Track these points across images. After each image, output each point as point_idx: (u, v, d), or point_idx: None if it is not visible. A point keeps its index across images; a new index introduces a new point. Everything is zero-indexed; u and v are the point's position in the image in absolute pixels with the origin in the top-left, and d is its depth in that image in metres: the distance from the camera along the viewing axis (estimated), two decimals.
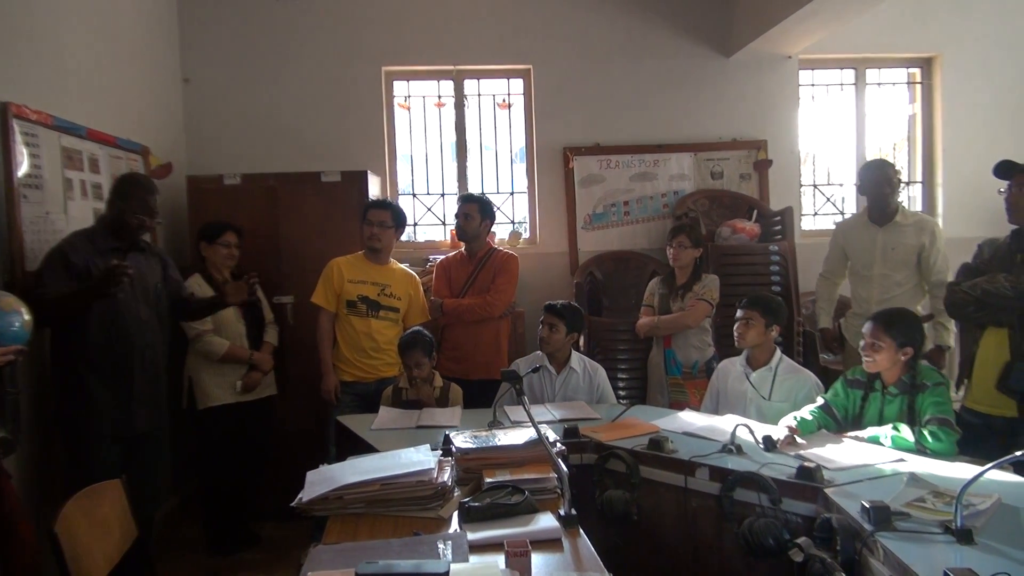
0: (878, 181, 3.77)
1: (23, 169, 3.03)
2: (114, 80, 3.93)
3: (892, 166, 3.89)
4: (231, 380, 3.76)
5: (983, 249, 3.08)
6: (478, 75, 5.23)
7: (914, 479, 2.21)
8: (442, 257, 4.34)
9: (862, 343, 2.81)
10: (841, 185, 5.50)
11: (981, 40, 5.25)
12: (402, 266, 3.98)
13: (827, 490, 2.20)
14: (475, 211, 3.98)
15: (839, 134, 5.49)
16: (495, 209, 4.16)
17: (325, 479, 2.23)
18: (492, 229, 4.19)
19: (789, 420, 2.80)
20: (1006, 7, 5.24)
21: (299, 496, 2.17)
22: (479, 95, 5.27)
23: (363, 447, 2.84)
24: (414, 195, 5.28)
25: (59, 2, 3.41)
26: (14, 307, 2.20)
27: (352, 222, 4.06)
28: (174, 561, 3.73)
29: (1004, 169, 2.97)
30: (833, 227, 5.40)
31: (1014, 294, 2.76)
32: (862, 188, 3.89)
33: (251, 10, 4.91)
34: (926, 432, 2.55)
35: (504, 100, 5.28)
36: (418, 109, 5.25)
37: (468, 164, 5.28)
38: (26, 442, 2.96)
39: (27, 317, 2.22)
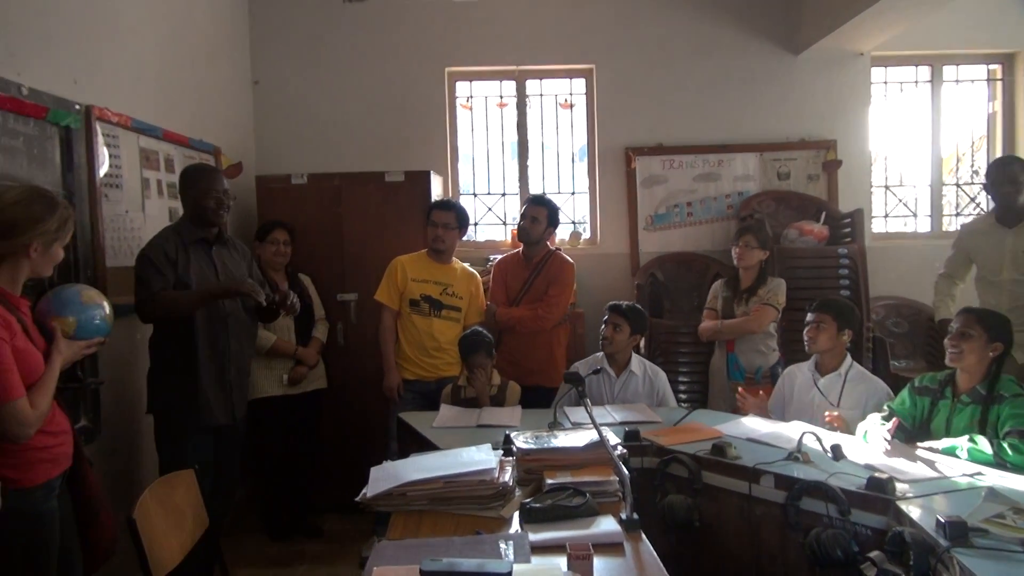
0: (999, 179, 3.56)
1: (104, 169, 3.17)
2: (188, 83, 4.06)
3: (1019, 162, 3.62)
4: (278, 373, 3.89)
5: None
6: (540, 75, 5.23)
7: (993, 494, 2.12)
8: (500, 257, 4.34)
9: (948, 336, 2.70)
10: (914, 186, 5.32)
11: None
12: (464, 265, 4.01)
13: (899, 503, 2.13)
14: (543, 215, 3.95)
15: (913, 133, 5.30)
16: (559, 215, 4.13)
17: (389, 475, 2.26)
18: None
19: (870, 425, 2.73)
20: None
21: (363, 491, 2.21)
22: (541, 95, 5.27)
23: (424, 444, 2.88)
24: (475, 195, 5.32)
25: (137, 8, 3.55)
26: (96, 300, 2.29)
27: (415, 221, 4.12)
28: (239, 549, 3.85)
29: None
30: (904, 229, 5.30)
31: None
32: (987, 187, 3.70)
33: (318, 13, 5.01)
34: (1006, 444, 2.44)
35: (566, 100, 5.27)
36: (480, 109, 5.28)
37: (529, 164, 5.29)
38: (107, 431, 3.10)
39: (108, 310, 2.31)
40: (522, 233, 4.01)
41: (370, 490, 2.20)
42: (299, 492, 4.11)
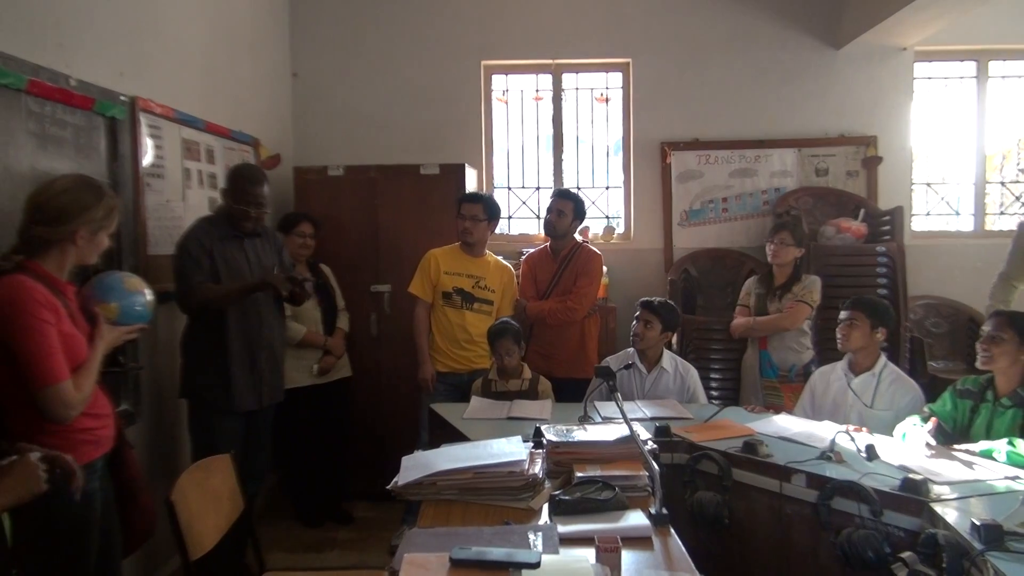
0: None
1: (147, 159, 3.24)
2: (229, 75, 4.14)
3: None
4: (308, 364, 3.95)
5: None
6: (576, 69, 5.22)
7: None
8: (528, 252, 4.35)
9: (980, 339, 2.67)
10: (957, 184, 5.21)
11: None
12: (497, 258, 4.03)
13: (933, 504, 2.11)
14: (569, 209, 3.95)
15: (957, 130, 5.18)
16: (587, 208, 4.13)
17: (420, 464, 2.29)
18: (585, 224, 4.16)
19: (909, 427, 2.71)
20: None
21: (395, 480, 2.24)
22: (577, 89, 5.26)
23: (454, 435, 2.90)
24: (509, 188, 5.33)
25: (182, 2, 3.62)
26: (138, 287, 2.35)
27: (449, 214, 4.14)
28: (273, 534, 3.92)
29: None
30: (945, 227, 5.19)
31: None
32: None
33: (357, 5, 5.06)
34: None
35: (602, 94, 5.25)
36: (516, 103, 5.29)
37: (564, 158, 5.28)
38: (146, 415, 3.19)
39: (150, 298, 2.37)
40: (548, 227, 4.01)
41: (401, 479, 2.23)
42: (330, 479, 4.18)
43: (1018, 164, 5.21)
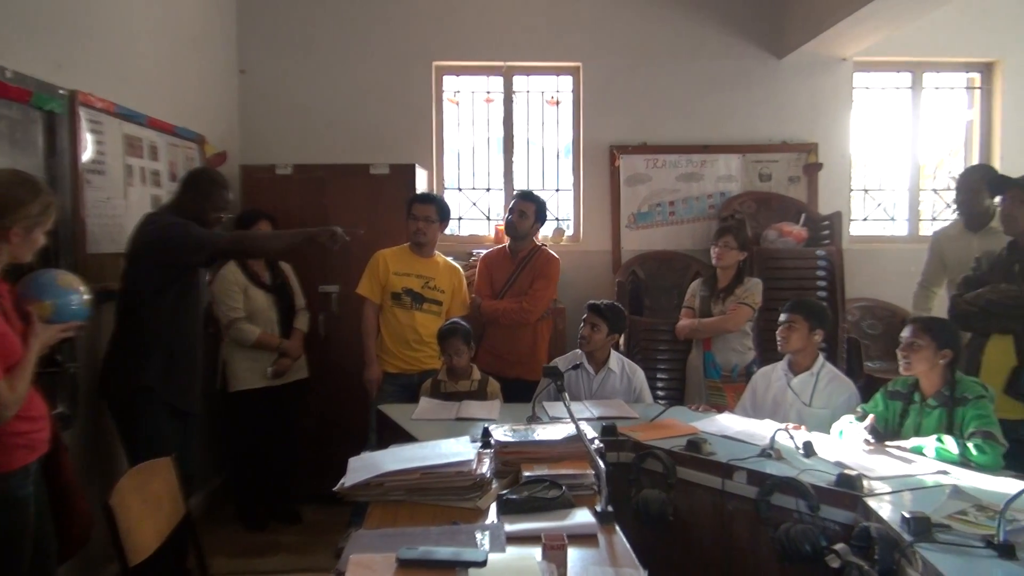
0: (964, 186, 3.71)
1: (87, 155, 3.15)
2: (174, 70, 4.05)
3: (983, 170, 3.75)
4: (262, 366, 3.89)
5: (981, 262, 3.19)
6: (528, 72, 5.25)
7: (957, 491, 2.18)
8: (486, 251, 4.37)
9: (899, 347, 2.79)
10: (893, 191, 5.40)
11: None
12: (447, 259, 4.03)
13: (867, 499, 2.19)
14: (531, 211, 3.99)
15: (892, 138, 5.37)
16: (547, 211, 4.16)
17: (367, 465, 2.28)
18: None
19: (845, 424, 2.81)
20: None
21: (341, 481, 2.23)
22: (528, 91, 5.29)
23: (403, 436, 2.90)
24: (460, 189, 5.33)
25: None
26: (73, 285, 2.29)
27: (399, 214, 4.12)
28: (215, 538, 3.84)
29: (998, 184, 3.12)
30: (881, 232, 5.38)
31: (1016, 302, 2.87)
32: (956, 195, 3.82)
33: (307, 3, 5.00)
34: (971, 445, 2.51)
35: (553, 97, 5.29)
36: (467, 104, 5.30)
37: (514, 160, 5.31)
38: (83, 417, 3.10)
39: (86, 296, 2.31)
40: (509, 228, 4.04)
41: (348, 480, 2.22)
42: (278, 481, 4.12)
43: (950, 173, 5.42)
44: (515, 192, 4.20)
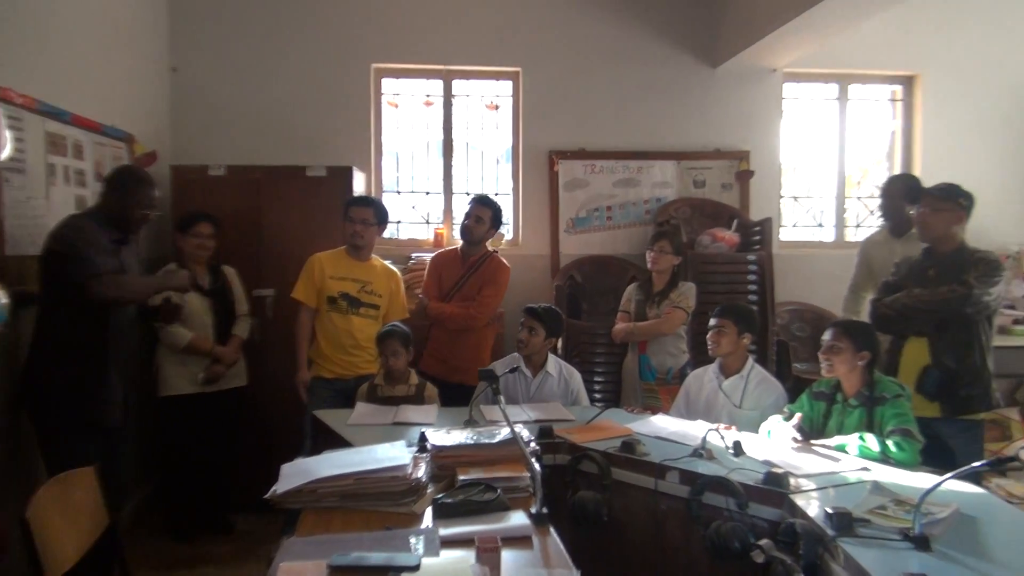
0: (888, 194, 3.87)
1: (6, 152, 3.02)
2: (101, 66, 3.92)
3: (906, 179, 3.92)
4: (193, 371, 3.79)
5: (900, 267, 3.33)
6: (467, 76, 5.26)
7: (877, 487, 2.27)
8: (434, 253, 4.36)
9: (821, 350, 2.89)
10: (820, 198, 5.58)
11: (960, 62, 5.35)
12: (384, 263, 4.00)
13: (793, 496, 2.25)
14: (488, 217, 4.01)
15: (820, 148, 5.56)
16: (503, 217, 4.19)
17: (300, 472, 2.25)
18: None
19: (773, 424, 2.89)
20: (983, 31, 5.34)
21: (273, 488, 2.19)
22: (468, 95, 5.30)
23: (339, 442, 2.86)
24: (399, 192, 5.30)
25: None
26: None
27: (336, 217, 4.07)
28: (142, 551, 3.72)
29: (914, 192, 3.26)
30: (809, 238, 5.56)
31: (930, 306, 3.01)
32: (881, 202, 3.97)
33: (241, 1, 4.90)
34: (890, 442, 2.61)
35: (492, 101, 5.31)
36: (406, 107, 5.27)
37: (454, 163, 5.30)
38: (1, 427, 2.96)
39: (4, 300, 2.22)
40: (464, 232, 4.05)
41: (280, 487, 2.18)
42: (210, 490, 4.01)
43: (875, 182, 5.64)
44: (472, 196, 4.19)
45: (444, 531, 1.96)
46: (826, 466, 2.54)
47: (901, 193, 3.78)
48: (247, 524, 4.08)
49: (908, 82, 5.49)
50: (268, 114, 4.92)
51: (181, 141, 4.87)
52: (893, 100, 5.56)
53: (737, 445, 2.65)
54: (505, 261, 4.12)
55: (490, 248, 4.16)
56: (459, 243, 4.16)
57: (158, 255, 4.22)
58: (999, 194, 4.97)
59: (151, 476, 4.29)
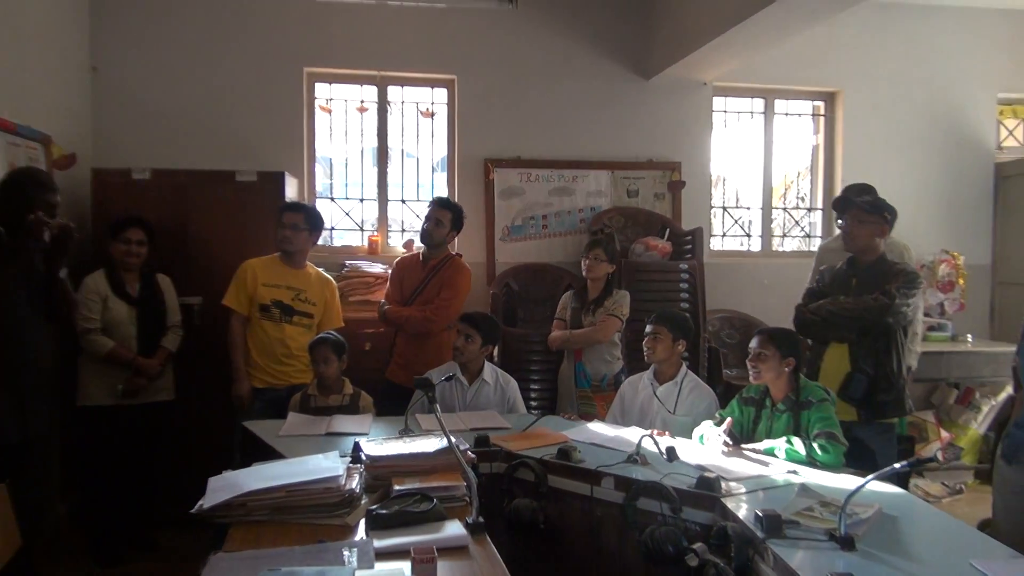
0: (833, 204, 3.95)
1: None
2: (15, 63, 3.74)
3: (860, 188, 3.96)
4: (112, 382, 3.63)
5: (824, 275, 3.43)
6: (402, 82, 5.22)
7: (804, 489, 2.33)
8: (400, 256, 4.36)
9: (748, 357, 2.97)
10: (748, 208, 5.74)
11: (878, 79, 5.59)
12: (319, 270, 3.93)
13: (725, 500, 2.30)
14: (448, 219, 3.99)
15: (748, 159, 5.73)
16: (464, 219, 4.16)
17: (228, 485, 2.18)
18: (410, 238, 4.19)
19: (705, 430, 2.95)
20: (901, 51, 5.60)
21: (200, 503, 2.12)
22: (403, 102, 5.26)
23: (270, 454, 2.78)
24: (333, 199, 5.22)
25: None
26: None
27: (268, 224, 3.98)
28: (59, 572, 3.54)
29: (841, 204, 3.35)
30: (738, 247, 5.72)
31: (852, 314, 3.10)
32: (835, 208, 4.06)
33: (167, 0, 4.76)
34: (815, 445, 2.70)
35: (428, 109, 5.29)
36: (340, 112, 5.20)
37: (389, 171, 5.26)
38: None
39: None
40: (424, 236, 4.03)
41: (207, 501, 2.11)
42: (134, 508, 3.84)
43: (798, 193, 5.84)
44: (432, 199, 4.17)
45: (379, 543, 1.92)
46: (756, 470, 2.60)
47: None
48: (172, 541, 3.92)
49: (830, 98, 5.71)
50: (195, 116, 4.78)
51: (103, 143, 4.68)
52: (815, 115, 5.77)
53: (671, 451, 2.69)
54: (466, 264, 4.10)
55: (452, 251, 4.14)
56: (420, 249, 4.16)
57: (79, 264, 4.03)
58: (914, 207, 5.20)
59: (70, 492, 4.09)
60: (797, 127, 5.78)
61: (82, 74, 4.61)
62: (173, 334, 3.85)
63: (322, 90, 5.14)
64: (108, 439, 3.64)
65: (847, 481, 2.45)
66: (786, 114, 5.74)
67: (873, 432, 3.14)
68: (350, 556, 1.82)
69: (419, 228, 4.67)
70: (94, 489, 3.74)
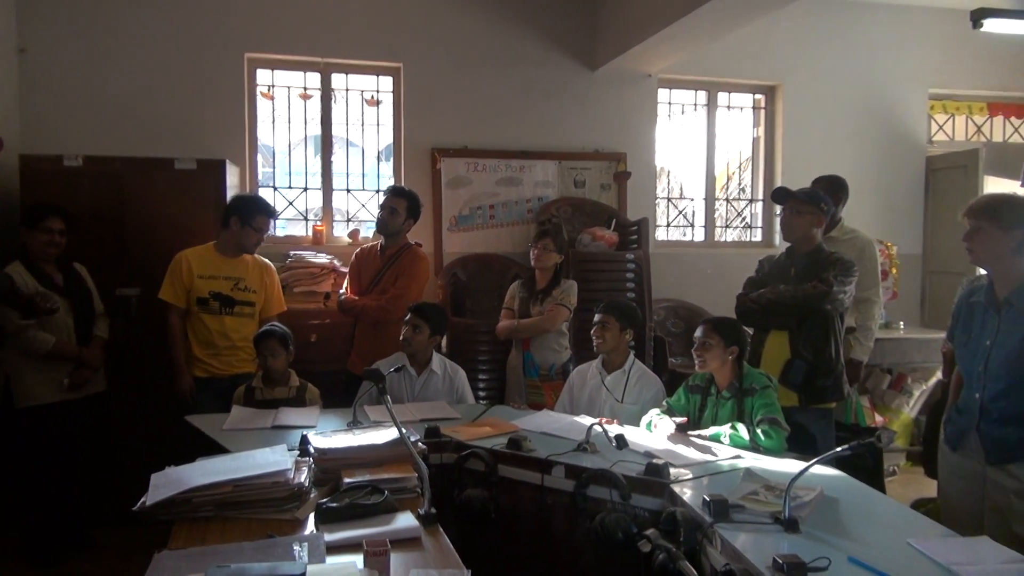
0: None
1: None
2: None
3: (827, 180, 4.03)
4: (56, 377, 3.51)
5: (763, 264, 3.52)
6: (346, 69, 5.13)
7: (749, 474, 2.39)
8: (360, 248, 4.28)
9: (693, 346, 3.02)
10: (691, 199, 5.84)
11: (816, 73, 5.73)
12: (254, 255, 3.83)
13: (673, 485, 2.34)
14: (403, 207, 3.94)
15: (692, 151, 5.82)
16: (421, 207, 4.12)
17: (171, 481, 2.12)
18: (355, 228, 4.13)
19: (653, 417, 2.99)
20: (839, 46, 5.75)
21: (142, 500, 2.05)
22: (347, 90, 5.17)
23: (214, 449, 2.72)
24: (275, 188, 5.11)
25: None
26: None
27: (208, 213, 3.88)
28: None
29: (779, 195, 3.41)
30: (682, 238, 5.81)
31: (791, 302, 3.19)
32: None
33: None
34: (759, 431, 2.77)
35: (373, 97, 5.21)
36: (282, 100, 5.08)
37: (333, 159, 5.17)
38: None
39: None
40: (380, 225, 3.99)
41: (150, 498, 2.05)
42: (70, 505, 3.70)
43: (739, 184, 5.96)
44: (387, 187, 4.16)
45: (329, 536, 1.90)
46: (702, 456, 2.66)
47: (827, 193, 3.94)
48: (108, 538, 3.80)
49: (770, 91, 5.84)
50: (131, 101, 4.60)
51: (32, 128, 4.47)
52: (756, 108, 5.89)
53: (620, 438, 2.72)
54: (424, 253, 4.06)
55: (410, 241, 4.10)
56: (380, 239, 4.10)
57: (6, 252, 3.87)
58: (850, 198, 5.35)
59: (4, 493, 3.92)
60: (739, 120, 5.89)
61: (8, 56, 4.39)
62: (103, 322, 3.75)
63: (264, 76, 5.02)
64: (51, 436, 3.51)
65: (790, 465, 2.52)
66: (728, 107, 5.84)
67: (812, 417, 3.23)
68: (301, 551, 1.80)
69: (364, 218, 4.62)
70: (28, 487, 3.60)
